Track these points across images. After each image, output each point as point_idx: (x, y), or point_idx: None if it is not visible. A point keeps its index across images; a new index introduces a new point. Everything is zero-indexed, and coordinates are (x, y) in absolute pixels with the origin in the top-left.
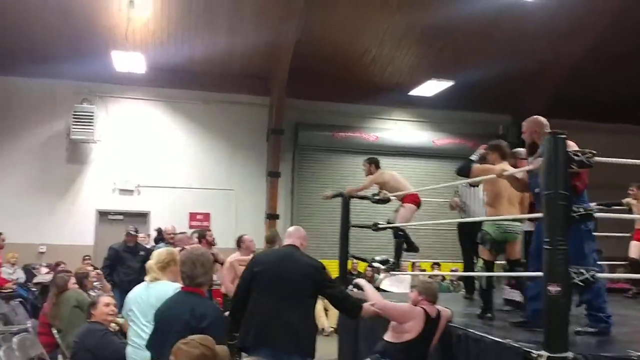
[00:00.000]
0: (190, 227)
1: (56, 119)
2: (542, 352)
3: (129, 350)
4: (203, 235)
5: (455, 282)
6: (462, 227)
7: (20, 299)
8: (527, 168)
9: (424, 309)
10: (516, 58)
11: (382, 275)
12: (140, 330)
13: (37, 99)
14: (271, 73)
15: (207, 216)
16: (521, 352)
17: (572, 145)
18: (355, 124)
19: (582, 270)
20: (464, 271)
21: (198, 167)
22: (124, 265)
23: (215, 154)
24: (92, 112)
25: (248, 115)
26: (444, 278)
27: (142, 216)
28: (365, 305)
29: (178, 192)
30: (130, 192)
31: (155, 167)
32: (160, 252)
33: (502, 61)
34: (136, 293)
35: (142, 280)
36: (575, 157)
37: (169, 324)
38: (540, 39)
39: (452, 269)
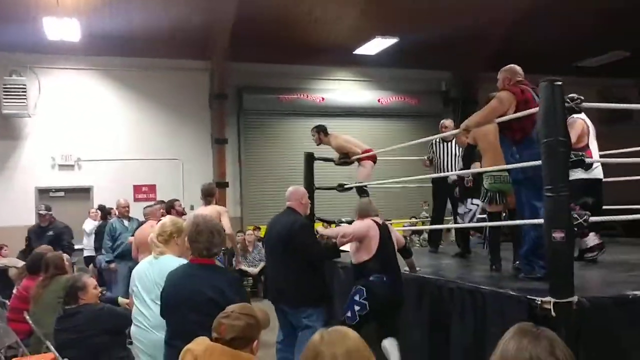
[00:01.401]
0: (135, 199)
1: None
2: (549, 299)
3: (133, 330)
4: (172, 206)
5: (408, 238)
6: (435, 181)
7: None
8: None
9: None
10: (457, 15)
11: None
12: (145, 309)
13: None
14: (211, 36)
15: (152, 188)
16: (524, 300)
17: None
18: (301, 85)
19: (575, 215)
20: (432, 225)
21: (140, 138)
22: (33, 248)
23: (158, 122)
24: (24, 84)
25: (189, 81)
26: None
27: (85, 191)
28: (338, 240)
29: (121, 165)
30: (71, 166)
31: (96, 139)
32: (163, 223)
33: (444, 18)
34: (141, 269)
35: None
36: (565, 104)
37: (188, 302)
38: None
39: (404, 224)
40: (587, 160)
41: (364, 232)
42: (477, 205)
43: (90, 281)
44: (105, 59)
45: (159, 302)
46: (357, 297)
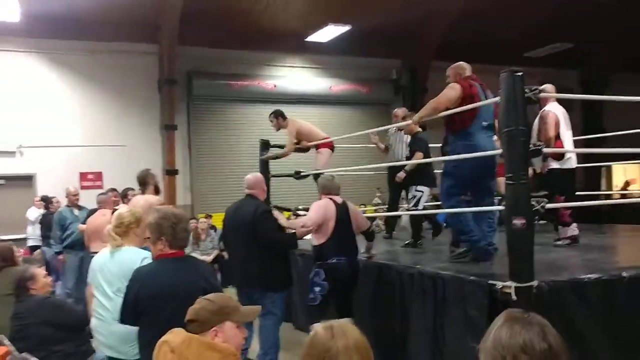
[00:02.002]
0: (82, 187)
1: None
2: (509, 283)
3: (94, 323)
4: (125, 195)
5: None
6: (390, 170)
7: None
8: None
9: (329, 198)
10: (408, 4)
11: None
12: (107, 300)
13: None
14: (161, 19)
15: (99, 175)
16: (485, 284)
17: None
18: (252, 71)
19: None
20: (388, 212)
21: (86, 123)
22: None
23: (104, 108)
24: None
25: (138, 65)
26: None
27: (27, 179)
28: (297, 231)
29: (66, 151)
30: (12, 153)
31: (39, 125)
32: (120, 214)
33: (395, 7)
34: (101, 261)
35: None
36: (525, 94)
37: (183, 295)
38: None
39: None
40: (558, 150)
41: (321, 218)
42: (422, 191)
43: (39, 271)
44: (49, 41)
45: (120, 295)
46: (316, 279)
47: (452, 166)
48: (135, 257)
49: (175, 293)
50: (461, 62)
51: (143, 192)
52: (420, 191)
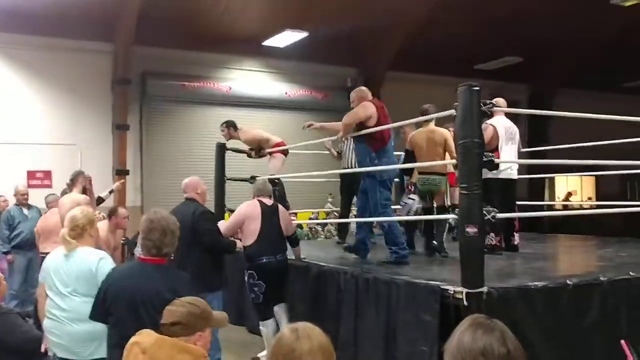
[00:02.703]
0: (29, 186)
1: None
2: (461, 289)
3: (47, 324)
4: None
5: (313, 229)
6: (342, 176)
7: None
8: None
9: (258, 201)
10: (366, 13)
11: None
12: (61, 300)
13: None
14: (116, 17)
15: (48, 174)
16: (437, 290)
17: None
18: (207, 73)
19: (484, 212)
20: (341, 218)
21: (36, 121)
22: None
23: (56, 106)
24: None
25: (91, 64)
26: (301, 226)
27: None
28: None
29: (13, 149)
30: None
31: None
32: (74, 216)
33: (353, 15)
34: (56, 262)
35: None
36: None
37: (145, 303)
38: None
39: (310, 216)
40: (499, 161)
41: (240, 220)
42: (414, 199)
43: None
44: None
45: (76, 295)
46: (251, 280)
47: (383, 179)
48: (91, 256)
49: (136, 299)
50: (363, 87)
51: (70, 191)
52: (412, 199)
